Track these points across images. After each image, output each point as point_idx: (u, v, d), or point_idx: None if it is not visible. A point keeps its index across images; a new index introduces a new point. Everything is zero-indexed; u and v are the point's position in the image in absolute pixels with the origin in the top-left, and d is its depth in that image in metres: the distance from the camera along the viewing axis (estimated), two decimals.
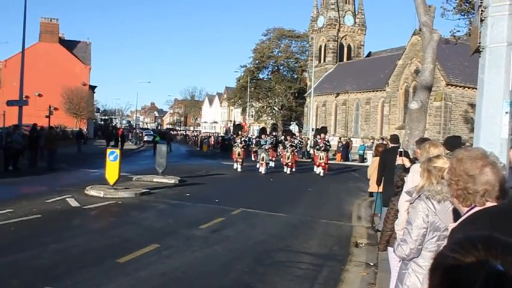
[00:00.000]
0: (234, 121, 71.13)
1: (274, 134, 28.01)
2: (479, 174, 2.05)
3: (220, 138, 53.05)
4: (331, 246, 9.30)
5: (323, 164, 23.53)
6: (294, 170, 24.89)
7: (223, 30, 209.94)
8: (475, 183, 2.04)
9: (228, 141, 43.11)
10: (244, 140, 25.16)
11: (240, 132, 25.95)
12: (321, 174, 23.29)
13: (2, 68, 55.69)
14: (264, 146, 24.27)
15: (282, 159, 25.44)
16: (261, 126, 38.97)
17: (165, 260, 7.57)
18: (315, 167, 24.30)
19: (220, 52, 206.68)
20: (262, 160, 23.90)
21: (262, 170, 23.70)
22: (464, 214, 2.09)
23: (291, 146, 24.70)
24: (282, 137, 27.61)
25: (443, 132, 39.03)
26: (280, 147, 26.34)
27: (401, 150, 6.24)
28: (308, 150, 35.69)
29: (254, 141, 28.28)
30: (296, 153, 25.65)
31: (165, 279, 6.62)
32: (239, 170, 24.22)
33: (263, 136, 25.33)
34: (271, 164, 25.74)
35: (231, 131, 44.54)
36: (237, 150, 24.50)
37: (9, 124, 26.14)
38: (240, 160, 24.28)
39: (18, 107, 25.22)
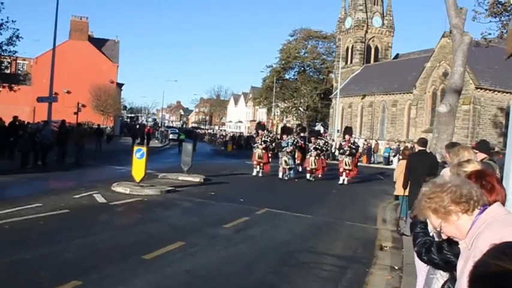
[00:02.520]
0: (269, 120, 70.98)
1: (302, 135, 25.09)
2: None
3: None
4: (356, 249, 9.25)
5: (347, 171, 20.21)
6: (320, 176, 21.37)
7: (250, 30, 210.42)
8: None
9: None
10: (264, 141, 21.74)
11: (260, 132, 22.58)
12: (345, 182, 20.19)
13: (32, 65, 56.84)
14: (286, 148, 20.80)
15: (305, 164, 21.50)
16: (282, 125, 35.12)
17: (189, 257, 7.63)
18: (340, 177, 20.49)
19: (246, 52, 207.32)
20: (286, 165, 20.72)
21: (280, 175, 20.71)
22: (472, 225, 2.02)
23: (315, 148, 20.76)
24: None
25: (471, 136, 38.43)
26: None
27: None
28: (333, 151, 34.28)
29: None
30: (323, 157, 21.68)
31: (189, 277, 6.68)
32: (260, 174, 21.42)
33: (284, 136, 21.83)
34: (298, 169, 22.30)
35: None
36: (257, 152, 21.57)
37: (39, 120, 26.69)
38: (262, 163, 21.47)
39: (48, 104, 25.68)
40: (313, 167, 20.61)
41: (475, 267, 1.18)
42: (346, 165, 20.19)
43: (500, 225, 1.85)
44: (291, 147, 20.92)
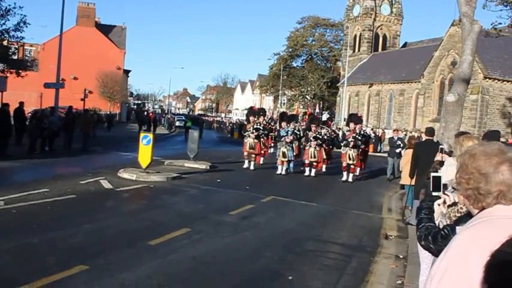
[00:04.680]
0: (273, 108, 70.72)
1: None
2: (493, 172, 1.80)
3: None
4: (361, 238, 9.26)
5: (352, 166, 17.35)
6: (324, 170, 19.13)
7: (257, 17, 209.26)
8: (488, 182, 1.80)
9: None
10: (256, 128, 18.82)
11: (251, 119, 19.40)
12: (349, 179, 17.36)
13: (40, 51, 56.89)
14: (284, 138, 18.12)
15: (304, 156, 18.53)
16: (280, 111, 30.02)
17: (195, 244, 7.67)
18: (344, 172, 17.59)
19: (253, 39, 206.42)
20: (284, 157, 17.97)
21: (280, 169, 18.07)
22: (475, 215, 1.91)
23: (315, 138, 18.02)
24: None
25: (478, 127, 38.22)
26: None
27: (443, 147, 6.12)
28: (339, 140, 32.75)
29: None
30: (325, 148, 18.88)
31: (195, 264, 6.72)
32: (251, 167, 18.59)
33: (283, 124, 18.89)
34: (291, 165, 18.67)
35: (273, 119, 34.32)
36: (248, 141, 18.67)
37: (46, 106, 26.78)
38: (254, 154, 18.76)
39: (55, 90, 25.76)
40: (313, 159, 17.89)
41: (491, 256, 1.18)
42: (350, 159, 17.16)
43: (483, 227, 1.74)
44: (291, 137, 18.16)
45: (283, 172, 18.00)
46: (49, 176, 13.48)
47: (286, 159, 18.08)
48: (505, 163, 1.80)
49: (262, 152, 19.46)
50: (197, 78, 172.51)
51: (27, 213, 8.86)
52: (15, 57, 33.19)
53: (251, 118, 19.44)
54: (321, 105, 52.93)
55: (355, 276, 6.78)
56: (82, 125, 22.38)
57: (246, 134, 19.27)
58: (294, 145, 18.48)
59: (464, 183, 1.90)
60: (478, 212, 1.87)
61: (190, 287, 5.98)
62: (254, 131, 18.75)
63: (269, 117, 25.00)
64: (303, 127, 20.88)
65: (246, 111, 20.45)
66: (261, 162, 19.64)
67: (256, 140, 18.68)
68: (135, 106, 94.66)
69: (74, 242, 7.28)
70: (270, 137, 21.01)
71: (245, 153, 18.91)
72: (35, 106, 38.41)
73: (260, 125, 19.25)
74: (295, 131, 18.74)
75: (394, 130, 22.72)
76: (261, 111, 20.85)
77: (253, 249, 7.77)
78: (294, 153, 18.52)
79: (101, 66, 53.83)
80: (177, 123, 57.46)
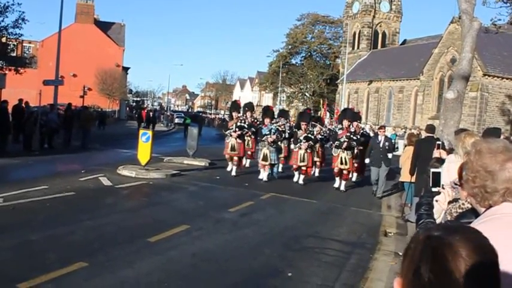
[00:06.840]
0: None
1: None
2: (499, 170, 1.77)
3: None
4: (360, 234, 9.27)
5: (345, 172, 14.69)
6: (316, 174, 16.96)
7: (257, 14, 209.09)
8: (495, 180, 1.77)
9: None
10: (240, 126, 15.72)
11: (234, 115, 16.34)
12: (342, 188, 14.74)
13: (38, 48, 56.76)
14: (267, 137, 15.17)
15: (291, 160, 15.68)
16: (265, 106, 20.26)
17: (195, 241, 7.67)
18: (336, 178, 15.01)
19: (253, 36, 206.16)
20: (265, 160, 15.09)
21: (263, 175, 15.22)
22: (483, 213, 1.87)
23: (307, 138, 15.11)
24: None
25: (478, 124, 38.20)
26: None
27: (440, 142, 6.13)
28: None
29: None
30: (319, 150, 16.67)
31: (195, 260, 6.72)
32: (233, 173, 15.66)
33: (266, 121, 15.70)
34: (279, 168, 16.45)
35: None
36: (230, 142, 15.67)
37: (45, 103, 26.74)
38: (237, 157, 15.78)
39: (54, 87, 25.68)
40: (303, 163, 15.01)
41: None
42: (342, 163, 14.48)
43: (490, 225, 1.68)
44: (274, 136, 15.23)
45: (265, 178, 15.15)
46: (48, 173, 13.49)
47: (267, 163, 15.20)
48: (511, 160, 1.78)
49: (249, 153, 16.86)
50: (196, 75, 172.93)
51: (26, 210, 8.85)
52: (14, 54, 33.09)
53: (234, 114, 16.45)
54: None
55: (355, 273, 6.80)
56: (82, 122, 22.36)
57: (227, 133, 16.16)
58: (282, 145, 16.45)
59: (470, 181, 1.87)
60: (485, 210, 1.84)
61: (190, 283, 5.99)
62: (237, 129, 15.72)
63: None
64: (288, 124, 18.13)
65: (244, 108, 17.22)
66: (247, 165, 17.35)
67: (239, 140, 15.68)
68: (134, 103, 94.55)
69: (73, 238, 7.28)
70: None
71: (227, 156, 16.08)
72: (34, 103, 38.31)
73: (245, 122, 16.09)
74: (280, 129, 16.11)
75: (379, 128, 16.62)
76: (247, 106, 17.23)
77: (252, 246, 7.78)
78: (283, 155, 16.49)
79: (99, 63, 53.73)
80: (176, 121, 57.38)
